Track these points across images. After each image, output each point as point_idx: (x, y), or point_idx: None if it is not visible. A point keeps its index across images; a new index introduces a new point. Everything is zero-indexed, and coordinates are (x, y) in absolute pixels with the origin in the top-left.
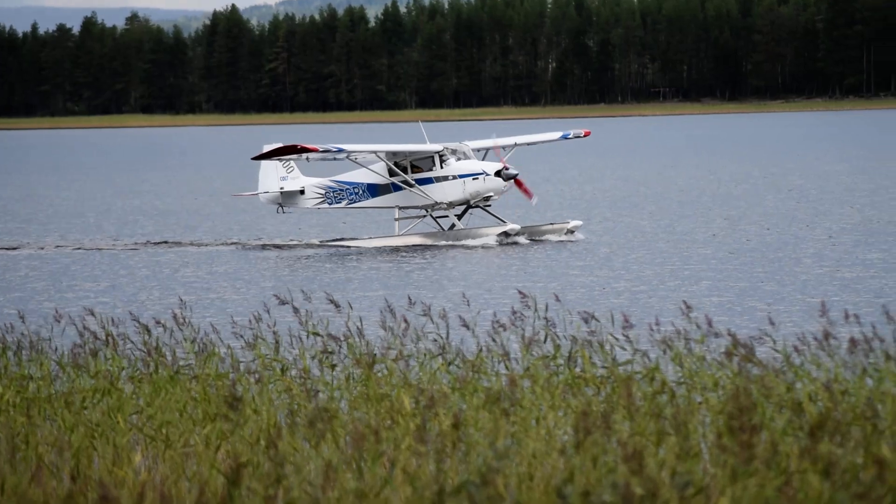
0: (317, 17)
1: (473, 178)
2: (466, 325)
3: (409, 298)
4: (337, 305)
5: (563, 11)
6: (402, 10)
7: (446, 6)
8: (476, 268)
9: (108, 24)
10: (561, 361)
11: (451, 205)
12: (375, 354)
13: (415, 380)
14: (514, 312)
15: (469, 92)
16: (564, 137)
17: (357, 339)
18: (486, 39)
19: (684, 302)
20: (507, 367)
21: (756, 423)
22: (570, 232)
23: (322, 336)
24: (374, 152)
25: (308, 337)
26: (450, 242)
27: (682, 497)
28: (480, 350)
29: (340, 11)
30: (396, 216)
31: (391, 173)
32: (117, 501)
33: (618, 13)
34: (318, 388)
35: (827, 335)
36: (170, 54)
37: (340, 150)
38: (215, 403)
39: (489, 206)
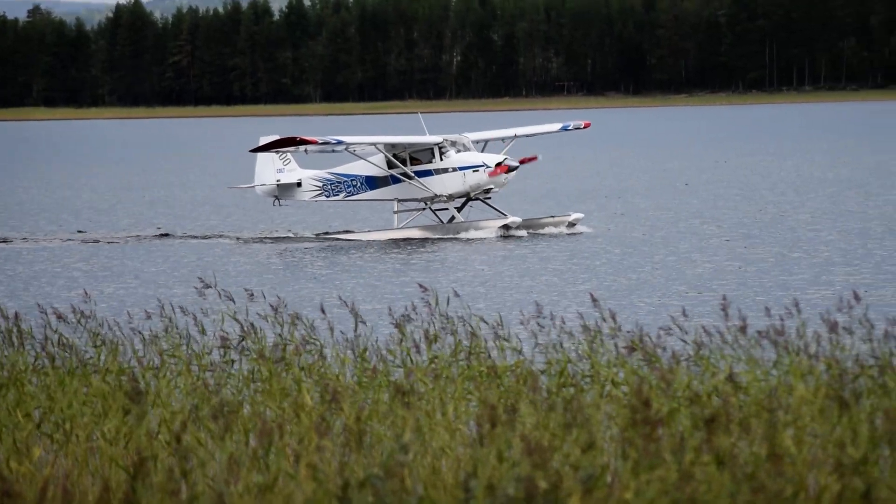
0: (220, 10)
1: (473, 171)
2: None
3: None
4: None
5: (468, 5)
6: (307, 3)
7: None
8: (462, 261)
9: (10, 16)
10: (463, 355)
11: (450, 197)
12: (286, 348)
13: (322, 373)
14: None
15: (374, 85)
16: (564, 129)
17: (267, 333)
18: (391, 33)
19: (591, 294)
20: (411, 361)
21: (659, 417)
22: (572, 225)
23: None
24: (374, 144)
25: (219, 331)
26: (449, 236)
27: (585, 490)
28: (401, 342)
29: (244, 4)
30: (395, 209)
31: (390, 165)
32: (20, 496)
33: (522, 7)
34: (221, 383)
35: (743, 328)
36: (72, 47)
37: (340, 143)
38: (118, 397)
39: (489, 198)
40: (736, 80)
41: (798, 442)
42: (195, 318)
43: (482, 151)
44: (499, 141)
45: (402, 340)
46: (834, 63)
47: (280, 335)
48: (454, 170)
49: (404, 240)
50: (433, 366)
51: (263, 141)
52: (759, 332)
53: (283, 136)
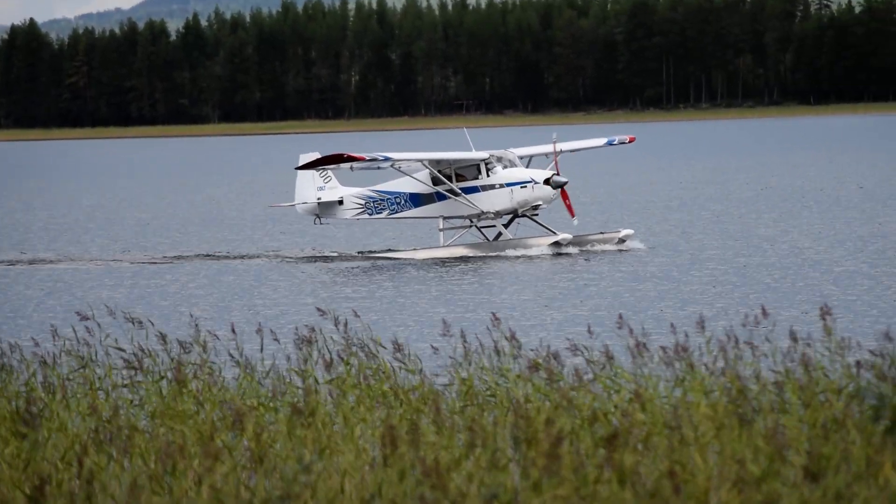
0: (117, 30)
1: (521, 187)
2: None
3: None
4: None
5: (365, 24)
6: (204, 23)
7: (248, 19)
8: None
9: None
10: (361, 375)
11: (497, 214)
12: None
13: (227, 395)
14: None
15: (272, 105)
16: (609, 144)
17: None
18: (288, 52)
19: (493, 314)
20: (316, 381)
21: (559, 435)
22: (622, 241)
23: (125, 350)
24: (421, 160)
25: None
26: (496, 253)
27: None
28: (306, 361)
29: (141, 25)
30: (441, 226)
31: (435, 182)
32: None
33: (420, 26)
34: (123, 404)
35: (639, 345)
36: None
37: (387, 159)
38: (14, 420)
39: (536, 215)
40: (633, 98)
41: (700, 458)
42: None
43: (528, 167)
44: (542, 156)
45: (306, 360)
46: (730, 80)
47: (177, 357)
48: (501, 186)
49: (450, 258)
50: (334, 386)
51: (304, 158)
52: (664, 349)
53: (329, 154)
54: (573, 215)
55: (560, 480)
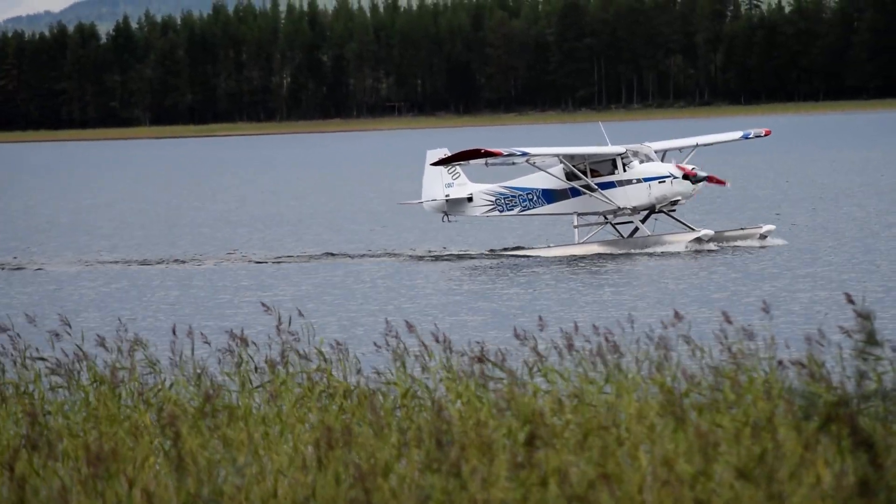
0: (47, 34)
1: (660, 182)
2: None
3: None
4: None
5: (297, 26)
6: (134, 25)
7: (179, 22)
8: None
9: None
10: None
11: (634, 210)
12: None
13: (162, 397)
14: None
15: (204, 108)
16: (745, 137)
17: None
18: (220, 55)
19: (408, 323)
20: (250, 383)
21: (494, 436)
22: (763, 237)
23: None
24: (557, 155)
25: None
26: (633, 250)
27: None
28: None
29: (71, 28)
30: (575, 223)
31: (569, 177)
32: None
33: (351, 28)
34: (52, 409)
35: (570, 345)
36: None
37: (524, 154)
38: None
39: (674, 210)
40: (565, 98)
41: (632, 458)
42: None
43: (662, 161)
44: (676, 151)
45: (240, 364)
46: (661, 81)
47: (115, 361)
48: (639, 181)
49: (586, 256)
50: (270, 387)
51: (432, 155)
52: (596, 349)
53: (466, 149)
54: (725, 183)
55: (494, 481)
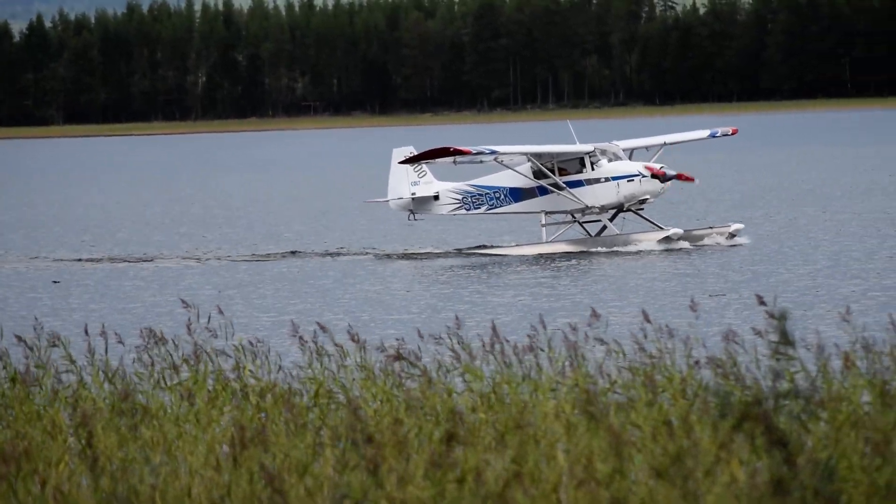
0: None
1: (628, 180)
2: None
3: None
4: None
5: (212, 25)
6: (48, 24)
7: (93, 20)
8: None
9: None
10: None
11: (603, 209)
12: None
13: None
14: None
15: (118, 107)
16: (713, 136)
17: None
18: (134, 54)
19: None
20: (164, 382)
21: (407, 434)
22: (732, 236)
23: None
24: (526, 154)
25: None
26: (601, 249)
27: None
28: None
29: None
30: (543, 222)
31: (537, 175)
32: None
33: (266, 27)
34: None
35: (492, 344)
36: None
37: (493, 152)
38: None
39: (642, 209)
40: (481, 99)
41: (548, 457)
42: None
43: (630, 160)
44: (643, 149)
45: (152, 364)
46: (576, 81)
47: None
48: (607, 180)
49: (553, 254)
50: (184, 388)
51: (399, 153)
52: (515, 347)
53: (435, 147)
54: (693, 180)
55: (410, 479)
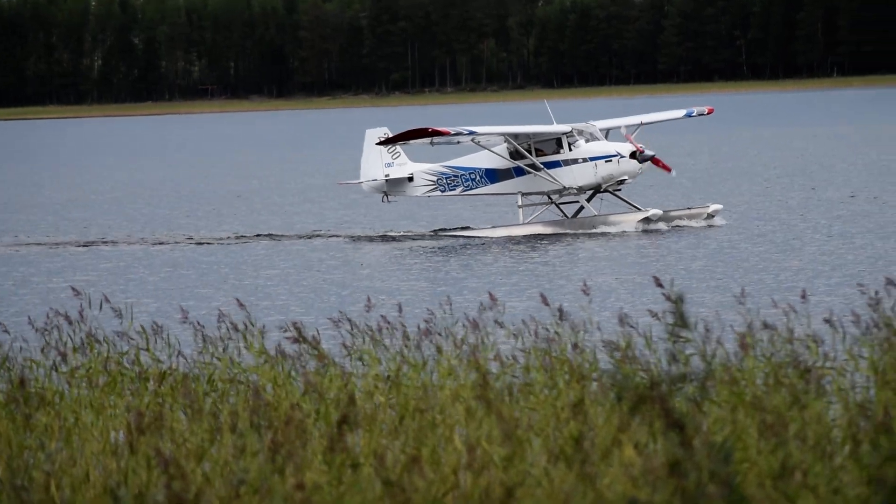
0: None
1: (606, 161)
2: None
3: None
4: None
5: (108, 8)
6: None
7: None
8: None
9: None
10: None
11: (580, 189)
12: None
13: None
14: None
15: (13, 91)
16: (689, 115)
17: None
18: (29, 37)
19: (239, 310)
20: (56, 370)
21: (303, 419)
22: (710, 217)
23: None
24: (504, 134)
25: None
26: (579, 231)
27: (236, 494)
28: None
29: None
30: (520, 203)
31: (514, 156)
32: None
33: (163, 10)
34: None
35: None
36: None
37: (471, 133)
38: None
39: (619, 190)
40: (379, 82)
41: (447, 441)
42: None
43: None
44: (618, 129)
45: (43, 349)
46: (474, 64)
47: None
48: (585, 160)
49: (531, 236)
50: (80, 374)
51: (373, 134)
52: (421, 331)
53: (413, 128)
54: (669, 170)
55: (307, 464)
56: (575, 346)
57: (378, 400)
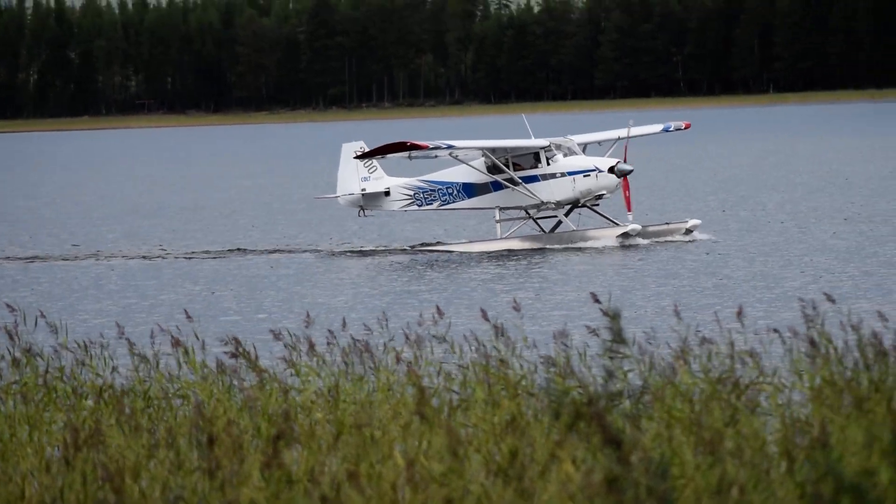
0: None
1: (584, 175)
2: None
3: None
4: None
5: (44, 23)
6: None
7: None
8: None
9: None
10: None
11: (558, 204)
12: None
13: None
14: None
15: None
16: (666, 130)
17: None
18: None
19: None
20: None
21: (240, 435)
22: (689, 232)
23: None
24: (482, 149)
25: None
26: (556, 245)
27: None
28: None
29: None
30: (497, 217)
31: (491, 170)
32: None
33: (100, 25)
34: None
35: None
36: None
37: (449, 147)
38: None
39: (597, 205)
40: (316, 97)
41: (385, 457)
42: None
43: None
44: (596, 144)
45: None
46: (412, 80)
47: None
48: (563, 175)
49: (507, 251)
50: (16, 390)
51: (349, 148)
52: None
53: (391, 142)
54: (629, 209)
55: (243, 480)
56: (502, 361)
57: (316, 416)
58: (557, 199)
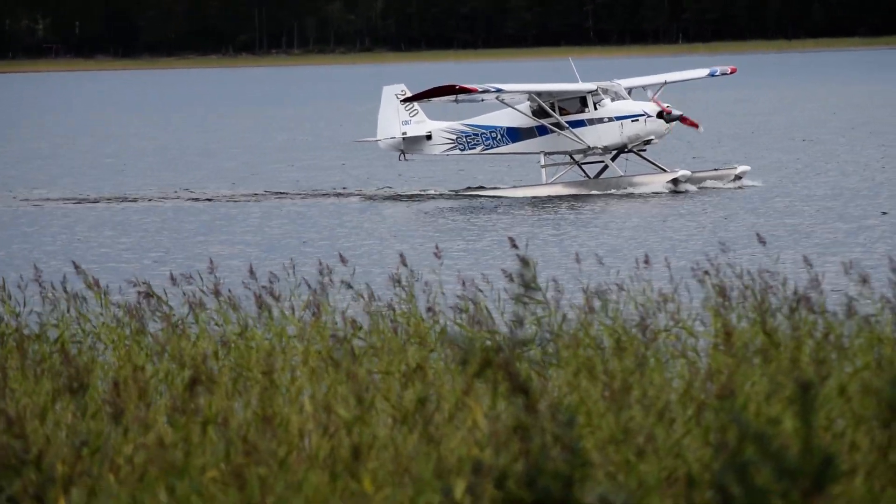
0: None
1: (633, 120)
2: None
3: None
4: None
5: None
6: None
7: None
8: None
9: None
10: None
11: (605, 149)
12: None
13: None
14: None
15: None
16: (712, 75)
17: None
18: None
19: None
20: None
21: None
22: (738, 178)
23: None
24: (529, 92)
25: None
26: (603, 192)
27: (77, 456)
28: None
29: None
30: (542, 163)
31: (537, 115)
32: None
33: None
34: None
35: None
36: None
37: (498, 90)
38: None
39: (644, 150)
40: (226, 44)
41: (293, 403)
42: None
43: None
44: (640, 89)
45: None
46: (322, 27)
47: None
48: (610, 119)
49: (552, 197)
50: None
51: (390, 91)
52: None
53: (439, 85)
54: (697, 126)
55: (151, 425)
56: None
57: (222, 362)
58: (605, 144)
